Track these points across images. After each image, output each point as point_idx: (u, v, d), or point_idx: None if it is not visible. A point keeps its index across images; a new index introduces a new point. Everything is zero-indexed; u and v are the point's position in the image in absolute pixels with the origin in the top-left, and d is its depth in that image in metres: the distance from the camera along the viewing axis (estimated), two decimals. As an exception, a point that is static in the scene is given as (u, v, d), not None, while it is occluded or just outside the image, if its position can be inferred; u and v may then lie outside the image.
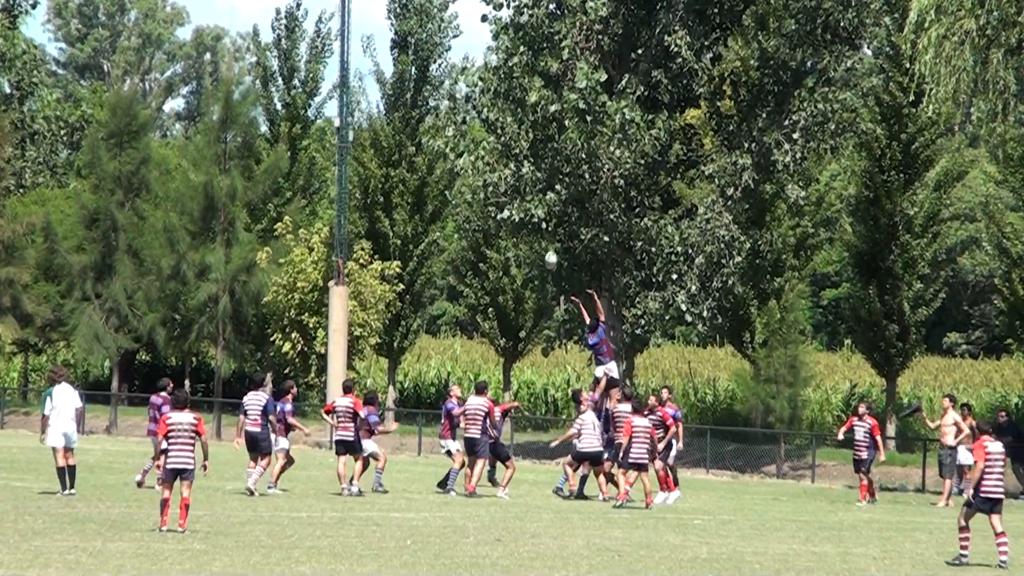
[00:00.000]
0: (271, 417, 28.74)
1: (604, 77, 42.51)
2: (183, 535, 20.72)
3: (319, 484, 31.40)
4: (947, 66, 31.01)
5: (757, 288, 47.94)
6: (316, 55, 61.82)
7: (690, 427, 51.68)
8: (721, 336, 58.10)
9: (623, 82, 43.38)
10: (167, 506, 21.20)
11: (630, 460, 28.68)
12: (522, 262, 51.20)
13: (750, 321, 48.09)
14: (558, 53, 43.66)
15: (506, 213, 43.40)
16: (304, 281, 53.37)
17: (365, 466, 29.93)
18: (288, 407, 30.03)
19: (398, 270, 54.75)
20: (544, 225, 43.47)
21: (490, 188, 43.71)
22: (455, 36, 58.23)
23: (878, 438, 33.68)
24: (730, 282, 44.22)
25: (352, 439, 29.38)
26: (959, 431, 35.44)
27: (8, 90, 73.47)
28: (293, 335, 53.53)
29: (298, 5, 61.41)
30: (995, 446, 21.28)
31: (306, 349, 53.59)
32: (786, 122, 43.51)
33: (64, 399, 27.29)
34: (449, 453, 31.49)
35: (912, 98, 44.40)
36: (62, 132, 76.78)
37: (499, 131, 43.83)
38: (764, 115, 43.74)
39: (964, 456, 34.84)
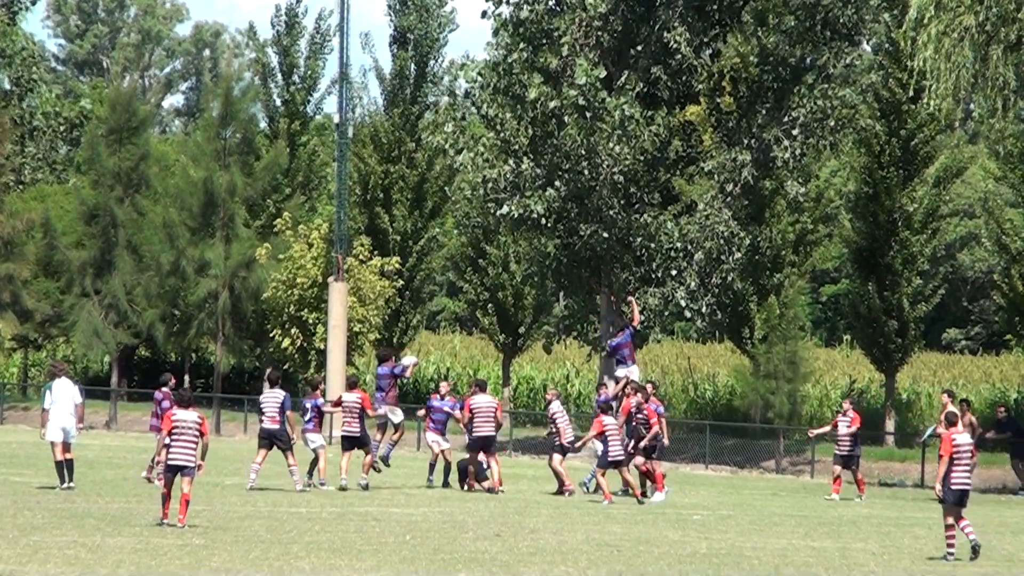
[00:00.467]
0: (288, 413, 28.78)
1: (604, 73, 42.48)
2: (182, 530, 20.74)
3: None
4: (947, 62, 31.01)
5: (757, 284, 47.96)
6: (315, 51, 61.83)
7: (689, 422, 51.80)
8: (721, 332, 58.09)
9: (623, 78, 43.36)
10: (168, 500, 21.30)
11: (608, 459, 28.77)
12: (521, 258, 51.18)
13: (750, 317, 48.11)
14: (558, 49, 43.64)
15: (505, 209, 43.38)
16: (303, 277, 53.38)
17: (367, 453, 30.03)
18: (319, 400, 30.20)
19: (397, 266, 54.76)
20: (543, 221, 43.47)
21: (489, 184, 43.69)
22: (451, 31, 58.27)
23: (857, 432, 33.80)
24: (729, 278, 44.22)
25: (359, 434, 29.42)
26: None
27: (8, 86, 73.47)
28: (292, 331, 53.56)
29: (298, 1, 61.47)
30: (963, 438, 21.40)
31: (305, 345, 53.62)
32: (785, 118, 43.49)
33: (63, 394, 27.31)
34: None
35: (912, 94, 44.36)
36: (61, 128, 76.84)
37: (498, 127, 43.82)
38: (763, 111, 43.72)
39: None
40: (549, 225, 43.94)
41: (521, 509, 26.80)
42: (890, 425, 48.26)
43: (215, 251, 55.48)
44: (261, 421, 28.82)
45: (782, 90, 43.70)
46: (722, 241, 43.45)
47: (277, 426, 28.48)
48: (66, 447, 26.97)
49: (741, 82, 43.99)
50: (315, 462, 29.70)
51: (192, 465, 21.39)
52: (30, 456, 35.91)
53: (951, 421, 21.79)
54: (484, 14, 45.01)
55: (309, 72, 61.73)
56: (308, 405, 29.91)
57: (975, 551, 20.89)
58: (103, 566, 17.02)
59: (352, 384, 30.14)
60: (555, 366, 65.78)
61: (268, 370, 35.43)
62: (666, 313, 45.08)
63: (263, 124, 62.05)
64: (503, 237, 53.67)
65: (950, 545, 21.04)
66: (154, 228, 57.51)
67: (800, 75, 43.78)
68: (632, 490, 29.70)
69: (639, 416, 30.63)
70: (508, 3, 44.61)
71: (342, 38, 52.41)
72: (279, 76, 61.92)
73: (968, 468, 21.32)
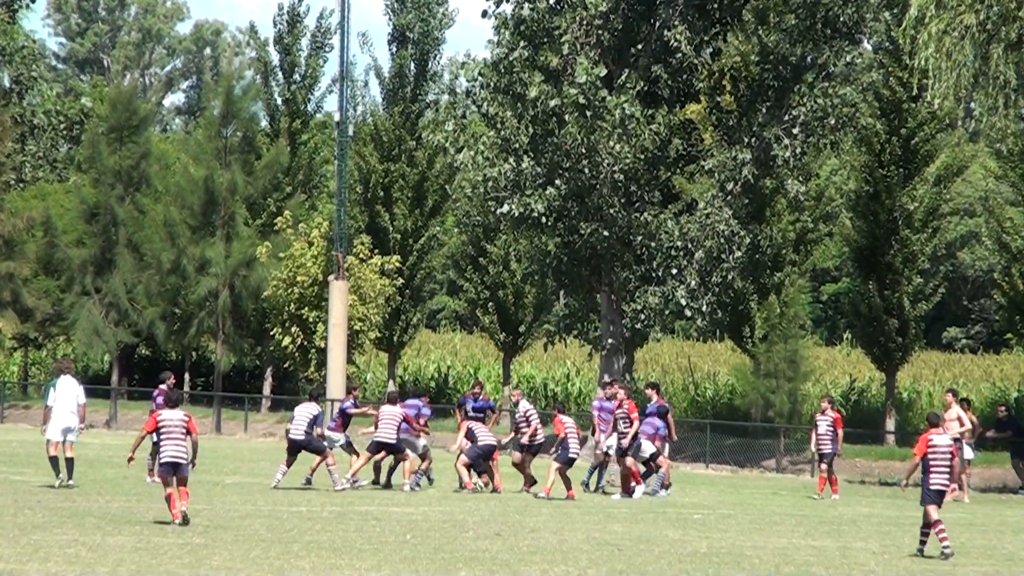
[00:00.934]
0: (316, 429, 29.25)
1: (604, 72, 42.50)
2: (183, 529, 20.75)
3: (320, 478, 31.38)
4: (947, 61, 30.98)
5: (757, 283, 47.95)
6: (316, 50, 61.86)
7: (690, 421, 51.75)
8: (721, 331, 58.10)
9: (623, 77, 43.37)
10: (172, 500, 21.40)
11: (570, 455, 29.38)
12: (522, 257, 51.18)
13: (750, 316, 48.10)
14: (558, 48, 43.66)
15: (506, 208, 43.39)
16: (304, 275, 53.40)
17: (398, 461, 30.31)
18: (347, 404, 31.23)
19: (398, 264, 54.76)
20: (544, 220, 43.49)
21: (490, 183, 43.71)
22: (448, 27, 58.28)
23: (840, 432, 33.85)
24: (730, 277, 44.24)
25: (394, 441, 29.57)
26: (962, 425, 35.48)
27: (8, 84, 73.45)
28: (293, 329, 53.58)
29: (300, 0, 61.52)
30: (941, 439, 21.51)
31: (306, 343, 53.63)
32: (786, 117, 43.50)
33: (67, 391, 27.35)
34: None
35: (912, 93, 44.40)
36: (62, 127, 76.81)
37: (499, 126, 43.85)
38: (764, 110, 43.73)
39: (967, 451, 35.12)
40: (549, 224, 43.96)
41: (522, 508, 26.81)
42: (890, 424, 48.27)
43: (216, 250, 55.47)
44: (288, 432, 29.18)
45: (782, 89, 43.72)
46: (722, 240, 43.46)
47: (302, 437, 28.69)
48: (68, 445, 27.05)
49: (741, 81, 44.01)
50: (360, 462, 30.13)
51: (185, 461, 21.65)
52: (30, 455, 35.89)
53: (932, 423, 21.93)
54: (485, 13, 45.05)
55: (310, 71, 61.77)
56: (345, 406, 31.05)
57: (945, 558, 20.91)
58: (103, 565, 17.03)
59: (393, 400, 30.20)
60: (555, 365, 65.78)
61: (313, 385, 36.07)
62: (666, 312, 45.08)
63: (264, 123, 62.06)
64: (503, 236, 53.67)
65: (943, 540, 21.07)
66: (155, 227, 57.50)
67: (800, 74, 43.79)
68: (634, 480, 30.22)
69: (619, 411, 30.75)
70: (508, 1, 44.65)
71: (343, 37, 52.44)
72: (280, 75, 61.96)
73: (946, 468, 21.41)
